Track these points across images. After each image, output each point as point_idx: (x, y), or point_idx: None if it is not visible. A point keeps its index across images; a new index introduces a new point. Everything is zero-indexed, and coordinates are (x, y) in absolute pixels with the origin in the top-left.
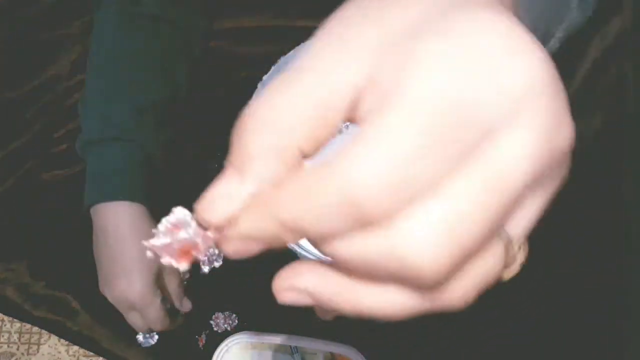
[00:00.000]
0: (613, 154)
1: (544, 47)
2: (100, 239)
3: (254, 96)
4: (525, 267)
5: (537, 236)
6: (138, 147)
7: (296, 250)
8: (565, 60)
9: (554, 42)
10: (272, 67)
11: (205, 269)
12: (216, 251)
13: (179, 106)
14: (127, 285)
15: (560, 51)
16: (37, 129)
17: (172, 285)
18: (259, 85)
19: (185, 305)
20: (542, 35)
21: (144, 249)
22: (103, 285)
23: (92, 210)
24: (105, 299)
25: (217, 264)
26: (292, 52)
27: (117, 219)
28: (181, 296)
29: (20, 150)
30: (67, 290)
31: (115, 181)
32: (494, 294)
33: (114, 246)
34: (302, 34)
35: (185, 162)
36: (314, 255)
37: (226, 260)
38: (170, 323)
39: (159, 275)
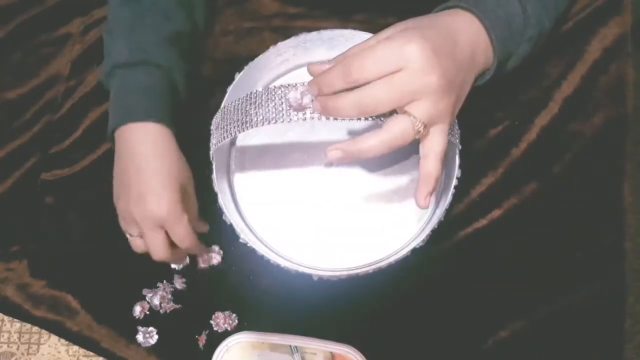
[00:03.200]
0: (612, 153)
1: (506, 63)
2: (126, 161)
3: (227, 96)
4: (525, 266)
5: (537, 235)
6: (164, 72)
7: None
8: (566, 60)
9: (513, 60)
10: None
11: (204, 265)
12: (216, 248)
13: (196, 49)
14: (156, 201)
15: (560, 51)
16: (37, 129)
17: (192, 208)
18: (228, 89)
19: (203, 227)
20: (506, 54)
21: (171, 168)
22: (132, 206)
23: (117, 133)
24: (105, 299)
25: (215, 262)
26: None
27: (146, 138)
28: (198, 218)
29: (20, 150)
30: (67, 290)
31: (144, 102)
32: (494, 294)
33: (142, 165)
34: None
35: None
36: (295, 266)
37: (226, 260)
38: (196, 246)
39: (184, 194)
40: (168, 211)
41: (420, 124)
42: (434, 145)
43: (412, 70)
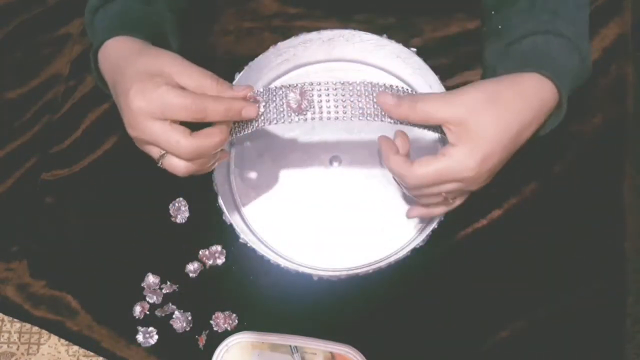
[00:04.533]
0: (612, 153)
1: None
2: (111, 76)
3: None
4: (525, 266)
5: (537, 235)
6: (143, 5)
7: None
8: None
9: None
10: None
11: (209, 262)
12: (218, 248)
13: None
14: (141, 92)
15: None
16: (37, 129)
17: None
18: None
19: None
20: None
21: (151, 62)
22: (128, 115)
23: (99, 59)
24: (105, 299)
25: (219, 262)
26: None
27: (128, 44)
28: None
29: (20, 150)
30: (67, 290)
31: (117, 21)
32: (494, 294)
33: (122, 67)
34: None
35: None
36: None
37: (227, 260)
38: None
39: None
40: (157, 96)
41: (451, 200)
42: (455, 203)
43: (465, 182)
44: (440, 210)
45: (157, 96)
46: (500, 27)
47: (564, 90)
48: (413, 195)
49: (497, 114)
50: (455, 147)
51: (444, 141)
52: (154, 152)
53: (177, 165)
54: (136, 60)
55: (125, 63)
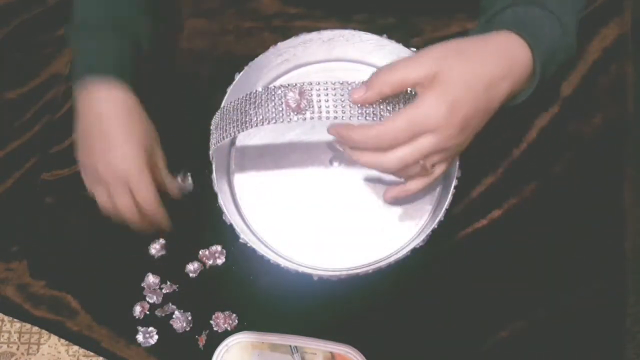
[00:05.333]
0: (612, 153)
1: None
2: (90, 119)
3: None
4: (525, 266)
5: (537, 235)
6: (126, 29)
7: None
8: None
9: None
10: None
11: (209, 263)
12: (219, 248)
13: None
14: (121, 156)
15: None
16: (37, 129)
17: (160, 168)
18: (228, 89)
19: (171, 183)
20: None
21: (135, 128)
22: (95, 160)
23: (80, 89)
24: (105, 299)
25: (219, 262)
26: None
27: (110, 96)
28: (170, 179)
29: (20, 150)
30: (67, 290)
31: (108, 60)
32: (494, 294)
33: (106, 124)
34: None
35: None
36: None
37: (227, 260)
38: (158, 210)
39: (150, 155)
40: (133, 166)
41: (429, 167)
42: (434, 173)
43: (437, 138)
44: (419, 183)
45: (141, 176)
46: (485, 4)
47: (538, 53)
48: (390, 169)
49: (466, 61)
50: (423, 94)
51: None
52: (98, 191)
53: (131, 209)
54: (124, 124)
55: (109, 123)
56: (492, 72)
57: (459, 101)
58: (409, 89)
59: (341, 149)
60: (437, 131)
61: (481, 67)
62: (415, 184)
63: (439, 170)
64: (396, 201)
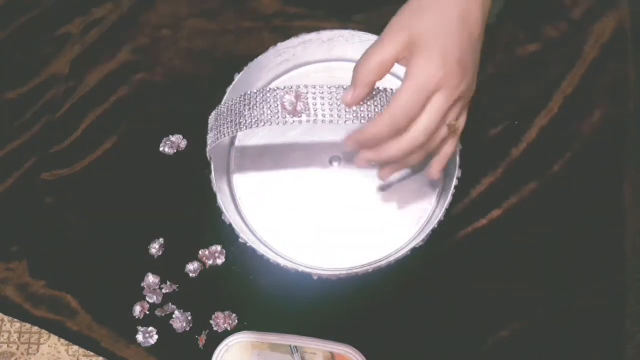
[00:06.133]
0: (612, 153)
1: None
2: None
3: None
4: (525, 266)
5: (537, 235)
6: None
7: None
8: (564, 60)
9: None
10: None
11: (209, 263)
12: (218, 248)
13: None
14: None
15: (558, 51)
16: (37, 129)
17: None
18: (228, 89)
19: None
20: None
21: None
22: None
23: None
24: (105, 299)
25: (219, 262)
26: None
27: None
28: None
29: (20, 150)
30: (67, 290)
31: None
32: (494, 294)
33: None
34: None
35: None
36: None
37: (227, 260)
38: None
39: None
40: None
41: (453, 124)
42: (461, 124)
43: (445, 92)
44: (452, 144)
45: None
46: None
47: None
48: (420, 144)
49: (429, 12)
50: (411, 62)
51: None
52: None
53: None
54: None
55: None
56: (457, 6)
57: (445, 49)
58: (389, 88)
59: (366, 164)
60: (443, 86)
61: (444, 9)
62: (449, 146)
63: (462, 120)
64: (441, 174)
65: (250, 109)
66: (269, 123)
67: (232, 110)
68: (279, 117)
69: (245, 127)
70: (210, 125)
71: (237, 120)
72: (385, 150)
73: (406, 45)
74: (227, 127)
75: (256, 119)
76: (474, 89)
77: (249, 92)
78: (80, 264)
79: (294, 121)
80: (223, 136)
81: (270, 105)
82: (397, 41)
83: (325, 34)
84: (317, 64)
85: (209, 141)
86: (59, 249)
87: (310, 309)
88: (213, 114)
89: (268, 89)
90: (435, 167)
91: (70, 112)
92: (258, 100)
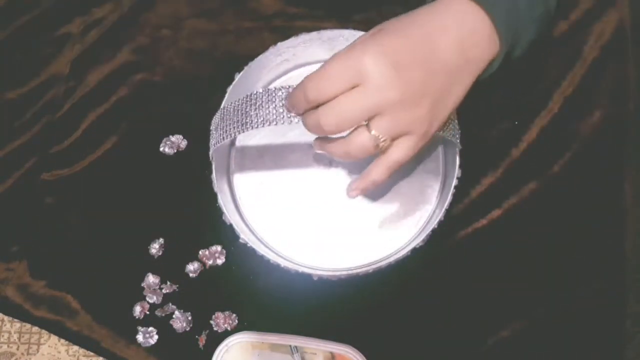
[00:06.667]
0: (612, 153)
1: (513, 50)
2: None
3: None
4: (525, 266)
5: (537, 235)
6: None
7: (285, 266)
8: (564, 60)
9: (521, 46)
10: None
11: (209, 263)
12: (218, 248)
13: None
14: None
15: (558, 51)
16: (37, 129)
17: None
18: (228, 89)
19: None
20: (513, 40)
21: None
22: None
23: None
24: (105, 299)
25: (219, 262)
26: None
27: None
28: None
29: (20, 150)
30: (67, 290)
31: None
32: (494, 294)
33: None
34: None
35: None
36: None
37: (227, 260)
38: None
39: None
40: None
41: (381, 139)
42: (391, 155)
43: (369, 86)
44: (378, 168)
45: None
46: None
47: (497, 12)
48: (330, 124)
49: (394, 29)
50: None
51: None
52: None
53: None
54: None
55: None
56: (429, 30)
57: (400, 63)
58: None
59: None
60: (375, 85)
61: (411, 26)
62: (375, 170)
63: (396, 151)
64: (364, 193)
65: (255, 108)
66: (274, 123)
67: (237, 110)
68: (284, 116)
69: (251, 127)
70: (214, 126)
71: (243, 120)
72: (306, 117)
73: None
74: (233, 127)
75: (262, 118)
76: (426, 130)
77: (255, 92)
78: (80, 264)
79: (298, 120)
80: (229, 136)
81: (276, 105)
82: (350, 58)
83: (326, 34)
84: (318, 63)
85: (213, 141)
86: (59, 249)
87: (310, 309)
88: (218, 114)
89: (274, 88)
90: (355, 185)
91: (70, 112)
92: (264, 100)
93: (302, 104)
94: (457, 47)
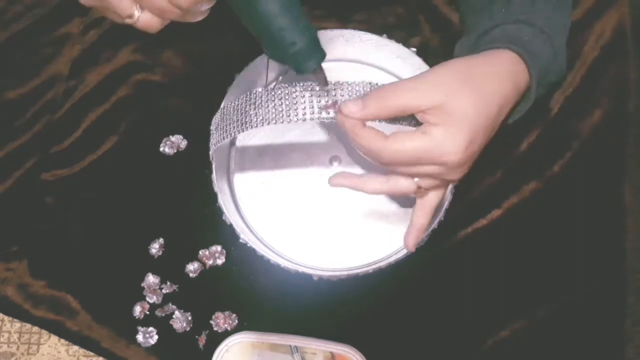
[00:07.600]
0: (612, 153)
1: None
2: None
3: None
4: (525, 266)
5: (537, 235)
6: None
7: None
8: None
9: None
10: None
11: (209, 262)
12: (219, 248)
13: None
14: None
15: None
16: (37, 129)
17: None
18: (228, 89)
19: None
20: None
21: None
22: None
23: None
24: (105, 299)
25: (219, 262)
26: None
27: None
28: None
29: (20, 150)
30: (67, 290)
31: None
32: (494, 294)
33: None
34: None
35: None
36: (298, 267)
37: (227, 260)
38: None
39: None
40: None
41: (423, 189)
42: (432, 199)
43: (445, 167)
44: (425, 217)
45: None
46: (472, 24)
47: (535, 71)
48: (386, 168)
49: (475, 94)
50: (438, 126)
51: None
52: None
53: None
54: None
55: None
56: (500, 101)
57: (474, 139)
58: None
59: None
60: (446, 165)
61: (490, 97)
62: (421, 218)
63: (434, 197)
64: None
65: (255, 108)
66: (274, 122)
67: (237, 110)
68: (283, 115)
69: (250, 127)
70: (214, 126)
71: (243, 119)
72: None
73: (437, 107)
74: (233, 127)
75: (261, 117)
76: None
77: (255, 91)
78: (80, 264)
79: (298, 119)
80: (229, 136)
81: (275, 104)
82: (430, 99)
83: (326, 34)
84: None
85: (214, 141)
86: (59, 249)
87: (310, 309)
88: (218, 113)
89: (273, 87)
90: (410, 238)
91: (70, 112)
92: (263, 99)
93: (371, 155)
94: (510, 106)
